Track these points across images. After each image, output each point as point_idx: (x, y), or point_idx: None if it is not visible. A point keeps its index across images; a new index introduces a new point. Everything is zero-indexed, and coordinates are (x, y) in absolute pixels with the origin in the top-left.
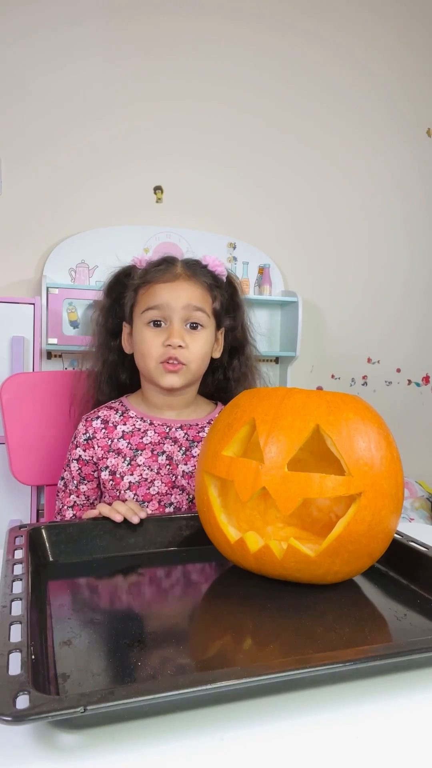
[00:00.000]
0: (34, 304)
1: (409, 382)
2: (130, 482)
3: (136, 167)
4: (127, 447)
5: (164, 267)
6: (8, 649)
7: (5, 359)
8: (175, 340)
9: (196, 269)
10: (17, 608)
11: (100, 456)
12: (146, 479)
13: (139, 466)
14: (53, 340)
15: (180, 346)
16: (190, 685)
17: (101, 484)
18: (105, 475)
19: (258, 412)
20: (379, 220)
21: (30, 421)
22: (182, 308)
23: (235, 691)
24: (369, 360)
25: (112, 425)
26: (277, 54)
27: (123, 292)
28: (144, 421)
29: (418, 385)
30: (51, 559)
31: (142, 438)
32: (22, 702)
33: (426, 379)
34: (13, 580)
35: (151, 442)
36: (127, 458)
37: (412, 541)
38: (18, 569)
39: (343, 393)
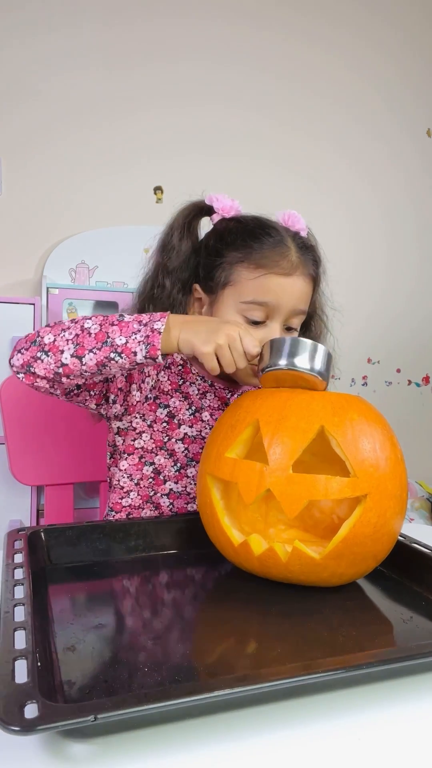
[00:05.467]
0: (34, 304)
1: (409, 382)
2: (185, 434)
3: (136, 167)
4: (197, 395)
5: (280, 251)
6: (13, 656)
7: (5, 359)
8: None
9: (307, 254)
10: (20, 614)
11: (166, 389)
12: (204, 438)
13: (202, 421)
14: None
15: None
16: (203, 691)
17: (142, 420)
18: (161, 413)
19: (262, 414)
20: (380, 221)
21: (30, 421)
22: (289, 310)
23: (248, 696)
24: (369, 360)
25: (188, 368)
26: (276, 54)
27: (197, 242)
28: (204, 381)
29: (418, 385)
30: (50, 562)
31: (203, 397)
32: (31, 711)
33: (426, 379)
34: (15, 585)
35: (210, 406)
36: (194, 407)
37: (415, 543)
38: (19, 573)
39: (346, 394)
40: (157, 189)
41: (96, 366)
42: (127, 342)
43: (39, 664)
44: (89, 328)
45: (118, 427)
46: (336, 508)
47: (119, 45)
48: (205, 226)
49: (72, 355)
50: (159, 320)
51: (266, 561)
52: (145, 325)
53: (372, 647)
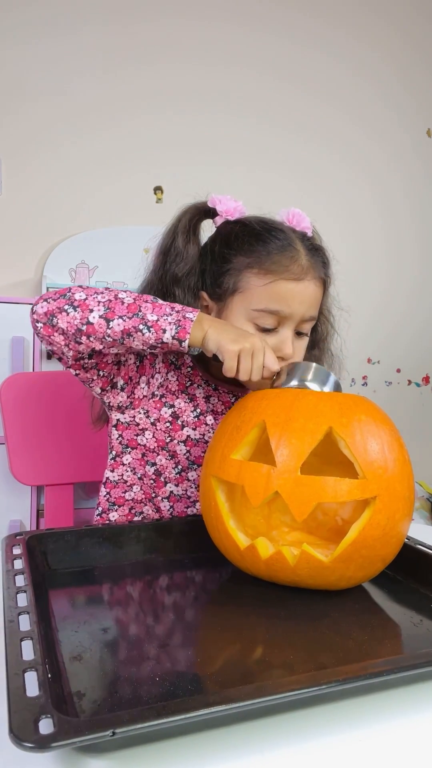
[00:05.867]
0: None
1: (409, 382)
2: (188, 436)
3: (136, 167)
4: (202, 398)
5: (289, 254)
6: (22, 668)
7: (5, 359)
8: (289, 353)
9: (316, 256)
10: (24, 622)
11: (173, 389)
12: (207, 442)
13: (206, 425)
14: None
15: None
16: (223, 702)
17: (145, 416)
18: (165, 411)
19: (268, 414)
20: (380, 221)
21: (30, 421)
22: (300, 317)
23: (268, 707)
24: (369, 360)
25: (197, 370)
26: (275, 55)
27: (202, 247)
28: (208, 385)
29: (418, 385)
30: (49, 567)
31: (207, 401)
32: (45, 726)
33: (426, 379)
34: (17, 593)
35: (213, 410)
36: (198, 410)
37: (420, 544)
38: (20, 580)
39: (352, 394)
40: (157, 189)
41: (121, 333)
42: (158, 320)
43: (50, 675)
44: (123, 298)
45: (118, 420)
46: (339, 510)
47: (119, 46)
48: (205, 227)
49: (100, 316)
50: (191, 312)
51: (273, 565)
52: (178, 312)
53: (386, 652)
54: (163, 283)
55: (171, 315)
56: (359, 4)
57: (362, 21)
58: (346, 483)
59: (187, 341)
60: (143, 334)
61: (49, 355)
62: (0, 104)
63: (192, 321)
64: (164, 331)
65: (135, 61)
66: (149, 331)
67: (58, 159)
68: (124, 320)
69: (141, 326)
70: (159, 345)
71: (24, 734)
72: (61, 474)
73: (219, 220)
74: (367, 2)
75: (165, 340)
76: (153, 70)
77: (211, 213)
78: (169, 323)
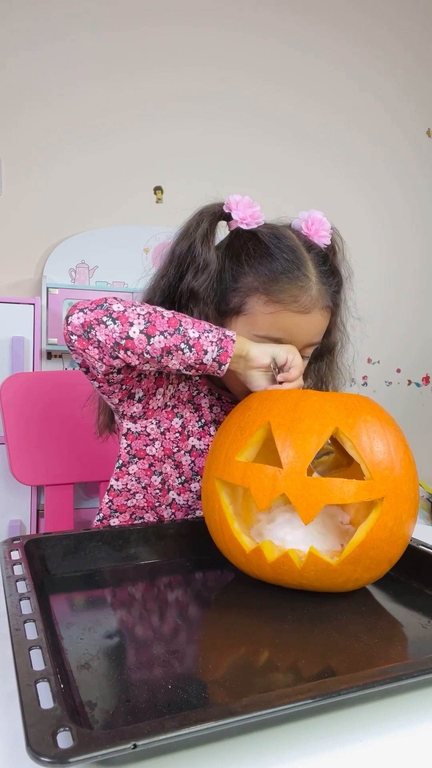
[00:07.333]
0: (34, 304)
1: (409, 382)
2: (193, 446)
3: (136, 167)
4: (207, 407)
5: (299, 284)
6: (34, 678)
7: (5, 359)
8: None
9: (328, 282)
10: (31, 631)
11: (184, 399)
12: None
13: (210, 435)
14: (53, 340)
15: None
16: (244, 711)
17: (156, 427)
18: (176, 422)
19: (273, 415)
20: (379, 221)
21: (30, 421)
22: (303, 344)
23: (287, 715)
24: (369, 360)
25: (203, 379)
26: (274, 57)
27: (212, 256)
28: (212, 395)
29: (418, 385)
30: (48, 572)
31: (210, 410)
32: (63, 740)
33: (426, 379)
34: (20, 599)
35: (216, 420)
36: (203, 420)
37: (422, 545)
38: (21, 587)
39: (356, 394)
40: (157, 189)
41: (161, 351)
42: (199, 337)
43: (62, 686)
44: (162, 311)
45: (129, 429)
46: (341, 511)
47: (121, 49)
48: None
49: (141, 332)
50: (230, 331)
51: (280, 568)
52: (216, 328)
53: (396, 655)
54: (178, 294)
55: (211, 332)
56: (358, 9)
57: (361, 24)
58: (354, 484)
59: (226, 366)
60: (183, 353)
61: (49, 355)
62: (1, 105)
63: (234, 340)
64: (205, 352)
65: (136, 65)
66: (190, 351)
67: (59, 159)
68: (165, 337)
69: (182, 344)
70: (197, 366)
71: (42, 748)
72: (61, 474)
73: (233, 225)
74: (365, 6)
75: (205, 361)
76: (153, 74)
77: (226, 216)
78: (211, 342)
